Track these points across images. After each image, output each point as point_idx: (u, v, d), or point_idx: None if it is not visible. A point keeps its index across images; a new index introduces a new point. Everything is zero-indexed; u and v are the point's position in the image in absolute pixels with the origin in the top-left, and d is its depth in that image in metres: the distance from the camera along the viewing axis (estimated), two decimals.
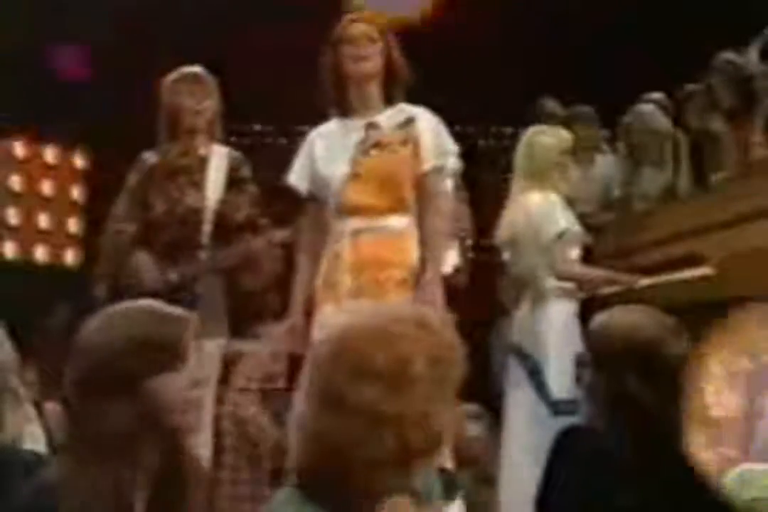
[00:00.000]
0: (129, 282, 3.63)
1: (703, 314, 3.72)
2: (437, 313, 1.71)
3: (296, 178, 3.38)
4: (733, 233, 3.85)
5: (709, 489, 2.08)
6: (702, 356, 1.99)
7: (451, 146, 3.35)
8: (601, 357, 2.22)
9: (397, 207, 3.22)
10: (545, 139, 4.17)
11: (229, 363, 3.89)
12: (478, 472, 4.15)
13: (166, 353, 1.76)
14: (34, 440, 2.45)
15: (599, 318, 2.30)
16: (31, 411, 2.55)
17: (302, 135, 3.56)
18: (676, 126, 5.03)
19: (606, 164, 5.59)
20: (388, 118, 3.30)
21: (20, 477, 1.81)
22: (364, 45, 3.27)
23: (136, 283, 3.61)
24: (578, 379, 2.32)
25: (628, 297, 3.83)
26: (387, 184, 3.22)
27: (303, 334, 3.19)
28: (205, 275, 3.66)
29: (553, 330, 3.94)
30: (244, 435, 3.92)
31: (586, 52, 6.18)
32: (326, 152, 3.31)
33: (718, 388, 1.95)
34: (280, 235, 3.71)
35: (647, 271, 4.25)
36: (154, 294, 3.47)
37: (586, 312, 3.82)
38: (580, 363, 2.30)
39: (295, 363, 3.38)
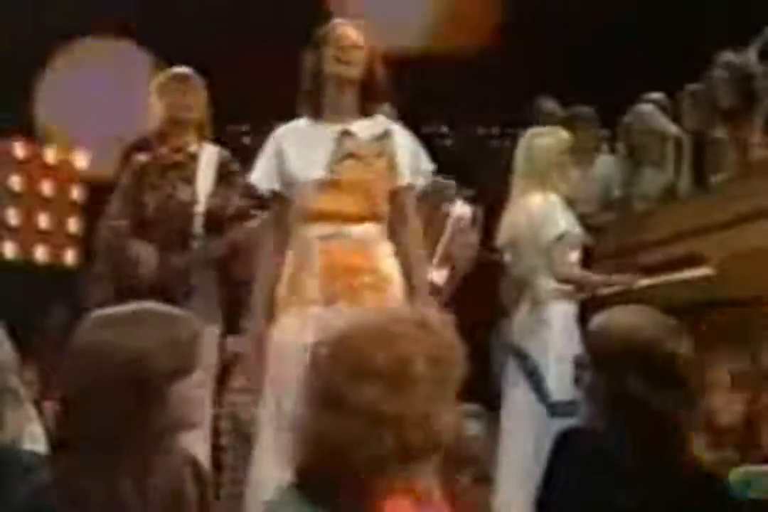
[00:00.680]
0: (126, 273, 3.72)
1: (703, 314, 3.74)
2: (437, 314, 1.70)
3: (263, 176, 3.26)
4: (733, 233, 3.85)
5: (710, 490, 2.08)
6: (705, 359, 1.99)
7: (427, 166, 3.33)
8: (601, 357, 2.22)
9: (370, 216, 3.18)
10: (544, 140, 4.17)
11: (227, 364, 3.89)
12: (477, 472, 4.15)
13: (190, 354, 1.76)
14: (34, 440, 2.45)
15: (598, 319, 2.29)
16: (31, 410, 2.55)
17: None
18: (676, 126, 5.03)
19: (606, 164, 5.58)
20: (364, 128, 3.23)
21: (19, 477, 1.81)
22: (349, 49, 3.19)
23: (132, 276, 3.68)
24: (577, 381, 2.32)
25: (628, 297, 3.83)
26: (363, 194, 3.17)
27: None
28: (198, 266, 3.73)
29: (553, 332, 3.94)
30: (242, 436, 3.92)
31: (586, 52, 6.18)
32: (298, 155, 3.21)
33: (722, 391, 1.95)
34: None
35: (647, 271, 4.25)
36: (151, 286, 3.63)
37: (585, 313, 3.82)
38: (579, 365, 2.30)
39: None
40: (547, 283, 4.01)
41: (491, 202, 4.47)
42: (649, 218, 4.77)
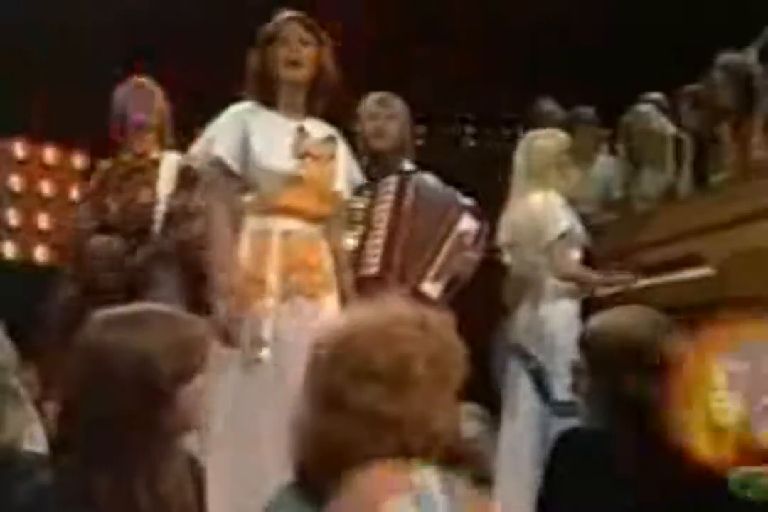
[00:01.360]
0: (89, 272, 3.90)
1: (703, 314, 3.74)
2: (437, 315, 1.70)
3: (226, 153, 3.12)
4: (733, 233, 3.86)
5: (710, 490, 2.08)
6: (705, 359, 1.99)
7: (358, 176, 3.42)
8: (597, 358, 2.22)
9: (323, 217, 3.23)
10: (542, 141, 4.17)
11: None
12: (478, 472, 4.15)
13: (197, 356, 1.76)
14: (35, 441, 2.45)
15: (593, 320, 2.30)
16: (31, 411, 2.54)
17: None
18: (676, 126, 5.03)
19: (606, 165, 5.58)
20: (315, 127, 3.26)
21: (20, 478, 1.80)
22: (299, 50, 3.16)
23: (94, 269, 3.88)
24: (575, 387, 2.31)
25: (629, 297, 3.83)
26: (322, 193, 3.23)
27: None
28: (158, 258, 3.87)
29: (556, 331, 3.94)
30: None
31: (586, 52, 6.18)
32: (263, 141, 3.15)
33: (721, 391, 1.95)
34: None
35: (647, 272, 4.25)
36: (115, 283, 3.82)
37: (585, 313, 3.82)
38: (575, 370, 2.30)
39: None
40: (548, 282, 4.01)
41: (490, 204, 4.46)
42: (649, 218, 4.77)
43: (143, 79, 4.15)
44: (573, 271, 4.05)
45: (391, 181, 3.79)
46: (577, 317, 3.97)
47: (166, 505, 1.73)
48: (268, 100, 3.21)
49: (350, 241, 3.62)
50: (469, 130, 7.21)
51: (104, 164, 4.13)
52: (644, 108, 5.14)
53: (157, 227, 3.90)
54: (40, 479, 1.74)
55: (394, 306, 1.67)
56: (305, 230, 3.18)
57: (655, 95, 5.31)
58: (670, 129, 5.03)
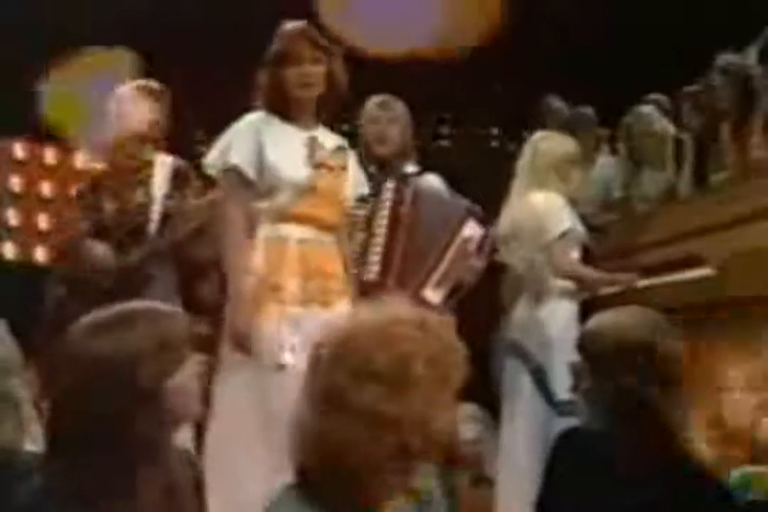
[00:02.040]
0: (84, 274, 3.90)
1: (703, 314, 3.74)
2: (437, 315, 1.71)
3: (243, 161, 3.16)
4: (733, 233, 3.85)
5: (710, 490, 2.08)
6: (712, 360, 1.99)
7: (364, 189, 3.47)
8: (597, 359, 2.22)
9: (336, 226, 3.28)
10: (549, 143, 4.16)
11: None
12: (477, 473, 4.15)
13: (181, 348, 1.76)
14: (34, 441, 2.45)
15: (591, 321, 2.31)
16: (30, 411, 2.54)
17: None
18: (676, 127, 5.03)
19: (606, 165, 5.58)
20: (326, 138, 3.30)
21: (20, 479, 1.81)
22: (310, 69, 3.19)
23: (90, 269, 3.87)
24: (575, 387, 2.32)
25: (629, 297, 3.83)
26: (335, 202, 3.27)
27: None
28: (155, 256, 3.86)
29: (555, 330, 3.93)
30: None
31: (586, 52, 6.18)
32: (277, 150, 3.19)
33: (728, 392, 1.95)
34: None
35: (648, 272, 4.25)
36: (109, 285, 3.78)
37: (585, 313, 3.82)
38: (575, 372, 2.31)
39: None
40: (548, 280, 4.00)
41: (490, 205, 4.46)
42: (649, 219, 4.77)
43: (142, 80, 4.16)
44: (573, 269, 4.05)
45: (389, 187, 3.79)
46: (577, 317, 3.97)
47: (164, 503, 1.73)
48: (280, 111, 3.25)
49: (354, 248, 3.63)
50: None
51: (98, 165, 4.20)
52: (646, 109, 5.14)
53: (152, 227, 3.90)
54: (39, 479, 1.74)
55: (394, 306, 1.68)
56: (320, 238, 3.21)
57: (656, 96, 5.30)
58: (671, 130, 5.02)
